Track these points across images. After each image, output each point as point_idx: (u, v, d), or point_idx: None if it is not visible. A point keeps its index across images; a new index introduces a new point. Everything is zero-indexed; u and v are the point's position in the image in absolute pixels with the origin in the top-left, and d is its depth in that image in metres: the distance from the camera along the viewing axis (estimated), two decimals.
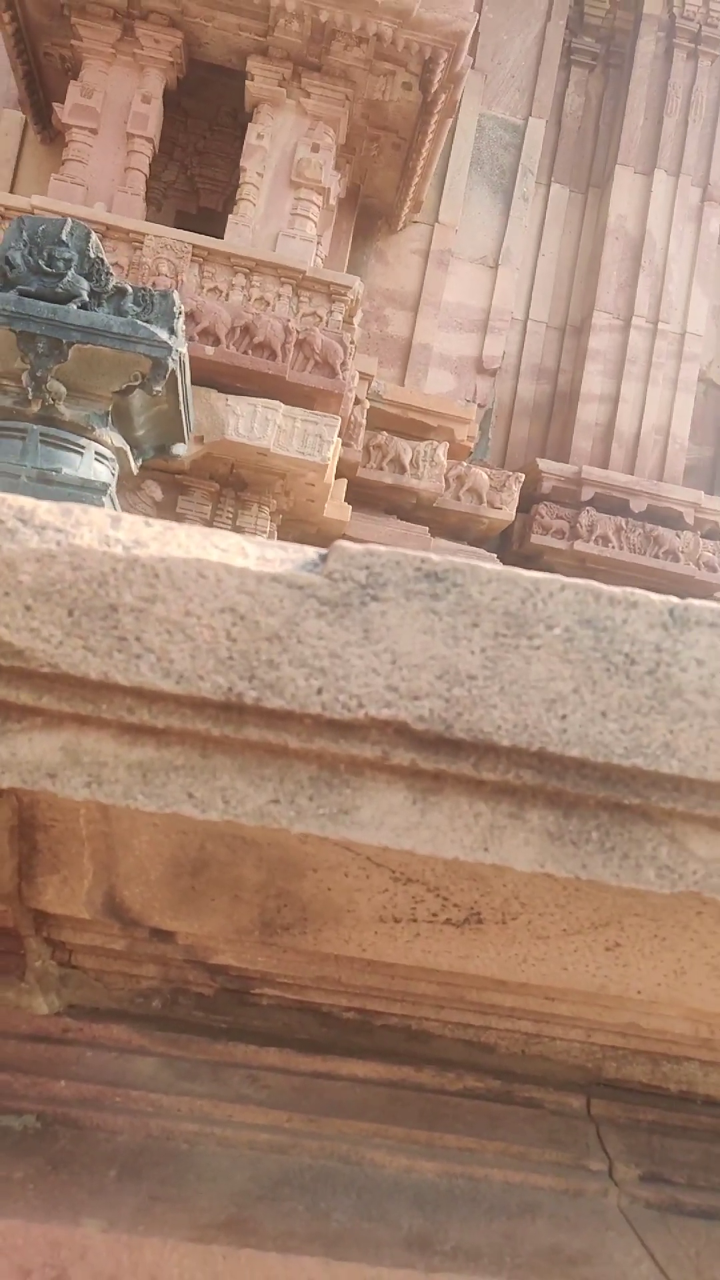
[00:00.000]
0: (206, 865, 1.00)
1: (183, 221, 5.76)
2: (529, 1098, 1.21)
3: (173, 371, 3.02)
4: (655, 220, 7.73)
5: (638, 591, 0.74)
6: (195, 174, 5.75)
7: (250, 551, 0.75)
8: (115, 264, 4.48)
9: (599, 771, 0.75)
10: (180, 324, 3.07)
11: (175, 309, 2.98)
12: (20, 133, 6.06)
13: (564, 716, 0.73)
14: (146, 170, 4.95)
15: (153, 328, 2.93)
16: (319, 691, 0.72)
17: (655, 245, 7.72)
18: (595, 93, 8.09)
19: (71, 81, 4.91)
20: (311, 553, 0.76)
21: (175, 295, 2.99)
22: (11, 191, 5.94)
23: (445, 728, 0.73)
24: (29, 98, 5.61)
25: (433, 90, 5.12)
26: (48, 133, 5.80)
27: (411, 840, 0.77)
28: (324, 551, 0.74)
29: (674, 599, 0.75)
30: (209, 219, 5.67)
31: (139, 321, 2.92)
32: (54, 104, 5.07)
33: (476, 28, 7.12)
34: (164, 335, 2.93)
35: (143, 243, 4.52)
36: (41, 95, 5.58)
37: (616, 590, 0.74)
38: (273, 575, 0.73)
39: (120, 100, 4.89)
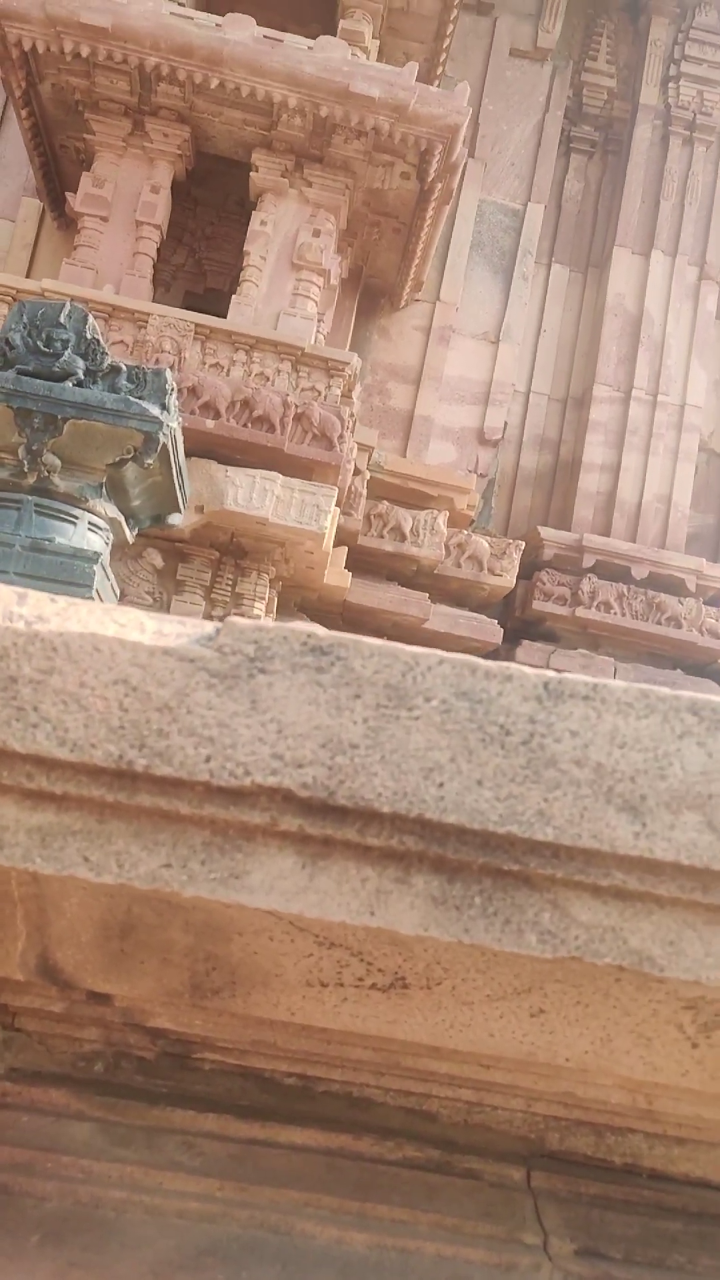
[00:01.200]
0: (134, 928, 1.02)
1: (190, 301, 5.99)
2: (468, 1168, 1.20)
3: (164, 445, 3.12)
4: (653, 298, 7.95)
5: (513, 666, 0.78)
6: (203, 257, 5.99)
7: (148, 626, 0.79)
8: (120, 342, 4.66)
9: (478, 838, 0.78)
10: (173, 400, 3.19)
11: (167, 386, 3.10)
12: (38, 219, 6.35)
13: (441, 785, 0.76)
14: (154, 255, 5.18)
15: (145, 404, 3.04)
16: (207, 759, 0.75)
17: (654, 322, 7.93)
18: (594, 178, 8.41)
19: (84, 172, 5.18)
20: (209, 628, 0.80)
21: (168, 373, 3.11)
22: (29, 273, 6.21)
23: (328, 794, 0.76)
24: (46, 186, 5.90)
25: (429, 179, 5.35)
26: (63, 219, 6.08)
27: (300, 904, 0.79)
28: (219, 626, 0.79)
29: (549, 673, 0.78)
30: (216, 299, 5.89)
31: (131, 398, 3.03)
32: (67, 193, 5.33)
33: (476, 118, 7.46)
34: (155, 411, 3.04)
35: (147, 322, 4.71)
36: (58, 184, 5.87)
37: (493, 665, 0.78)
38: (165, 649, 0.77)
39: (130, 190, 5.14)
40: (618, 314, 7.90)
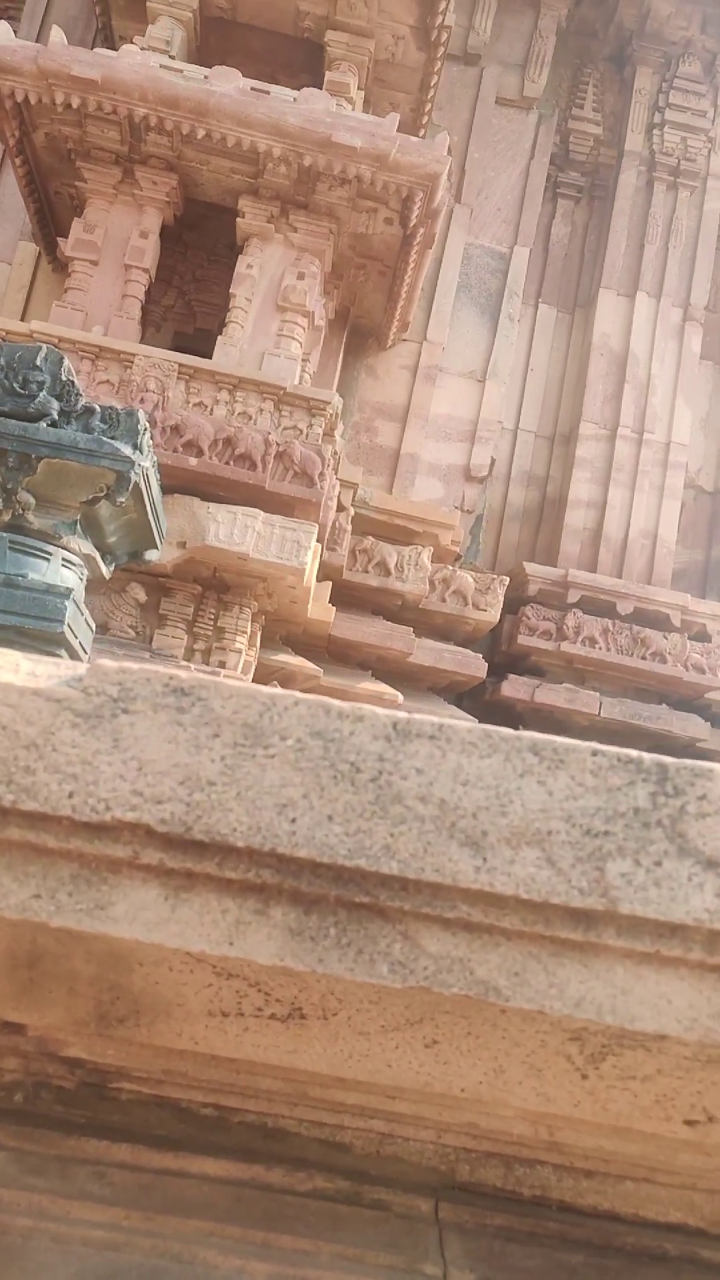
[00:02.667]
0: (41, 958, 1.06)
1: (180, 341, 6.11)
2: (377, 1199, 1.22)
3: (136, 484, 3.20)
4: (638, 338, 8.09)
5: (365, 706, 0.83)
6: (193, 299, 6.13)
7: (23, 667, 0.85)
8: (106, 381, 4.77)
9: (330, 871, 0.82)
10: (146, 440, 3.26)
11: (140, 426, 3.18)
12: (34, 262, 6.51)
13: (294, 820, 0.80)
14: (142, 297, 5.30)
15: (117, 443, 3.12)
16: (70, 795, 0.80)
17: (639, 361, 8.06)
18: (580, 222, 8.60)
19: (75, 218, 5.32)
20: (80, 670, 0.85)
21: (140, 414, 3.19)
22: (24, 314, 6.36)
23: (185, 829, 0.80)
24: (41, 231, 6.06)
25: (412, 224, 5.49)
26: (58, 262, 6.23)
27: (162, 934, 0.83)
28: (89, 668, 0.84)
29: (400, 714, 0.83)
30: (205, 339, 6.02)
31: (104, 438, 3.11)
32: (59, 238, 5.48)
33: (462, 165, 7.65)
34: (127, 450, 3.12)
35: (133, 362, 4.81)
36: (52, 229, 6.03)
37: (346, 705, 0.83)
38: (35, 689, 0.82)
39: (120, 235, 5.28)
40: (604, 353, 8.03)
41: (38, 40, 6.21)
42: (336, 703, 0.83)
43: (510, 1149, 1.24)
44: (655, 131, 8.45)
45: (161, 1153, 1.24)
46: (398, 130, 5.83)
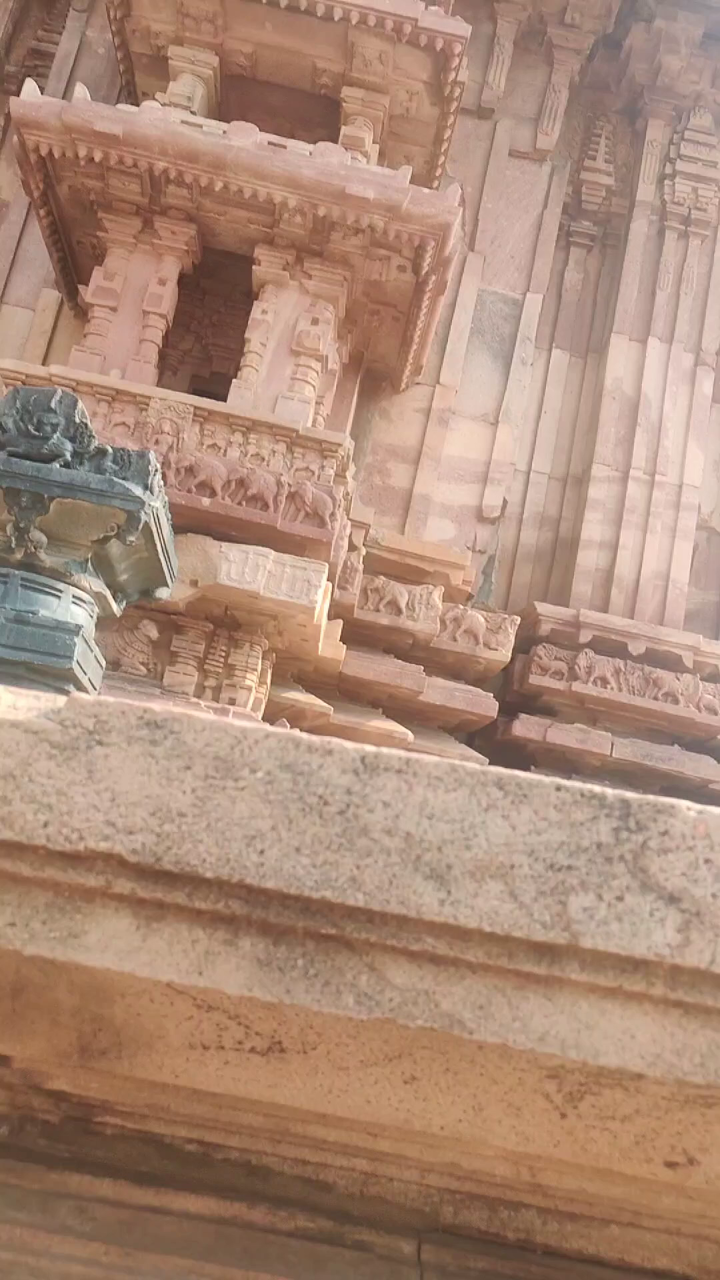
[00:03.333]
0: (24, 989, 1.07)
1: (197, 385, 6.24)
2: (360, 1240, 1.22)
3: (146, 523, 3.26)
4: (650, 382, 8.17)
5: (334, 740, 0.85)
6: (210, 343, 6.27)
7: (4, 700, 0.88)
8: (122, 423, 4.88)
9: (298, 903, 0.84)
10: (156, 480, 3.33)
11: (150, 467, 3.25)
12: (56, 308, 6.69)
13: (262, 851, 0.82)
14: (160, 342, 5.43)
15: (128, 484, 3.19)
16: (45, 825, 0.83)
17: (651, 404, 8.14)
18: (593, 269, 8.74)
19: (96, 266, 5.47)
20: (60, 702, 0.88)
21: (151, 455, 3.26)
22: (46, 358, 6.52)
23: (155, 860, 0.82)
24: (64, 278, 6.23)
25: (424, 272, 5.61)
26: (79, 308, 6.40)
27: (133, 963, 0.85)
28: (67, 700, 0.87)
29: (369, 748, 0.85)
30: (221, 382, 6.14)
31: (115, 479, 3.18)
32: (80, 285, 5.63)
33: (475, 215, 7.82)
34: (138, 491, 3.18)
35: (148, 405, 4.92)
36: (74, 276, 6.20)
37: (316, 739, 0.85)
38: (13, 721, 0.85)
39: (139, 282, 5.42)
40: (616, 397, 8.12)
41: (64, 97, 6.44)
42: (307, 736, 0.86)
43: (494, 1191, 1.23)
44: (667, 182, 8.60)
45: (144, 1189, 1.24)
46: (411, 182, 5.98)
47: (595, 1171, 1.14)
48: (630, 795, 0.85)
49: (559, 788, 0.84)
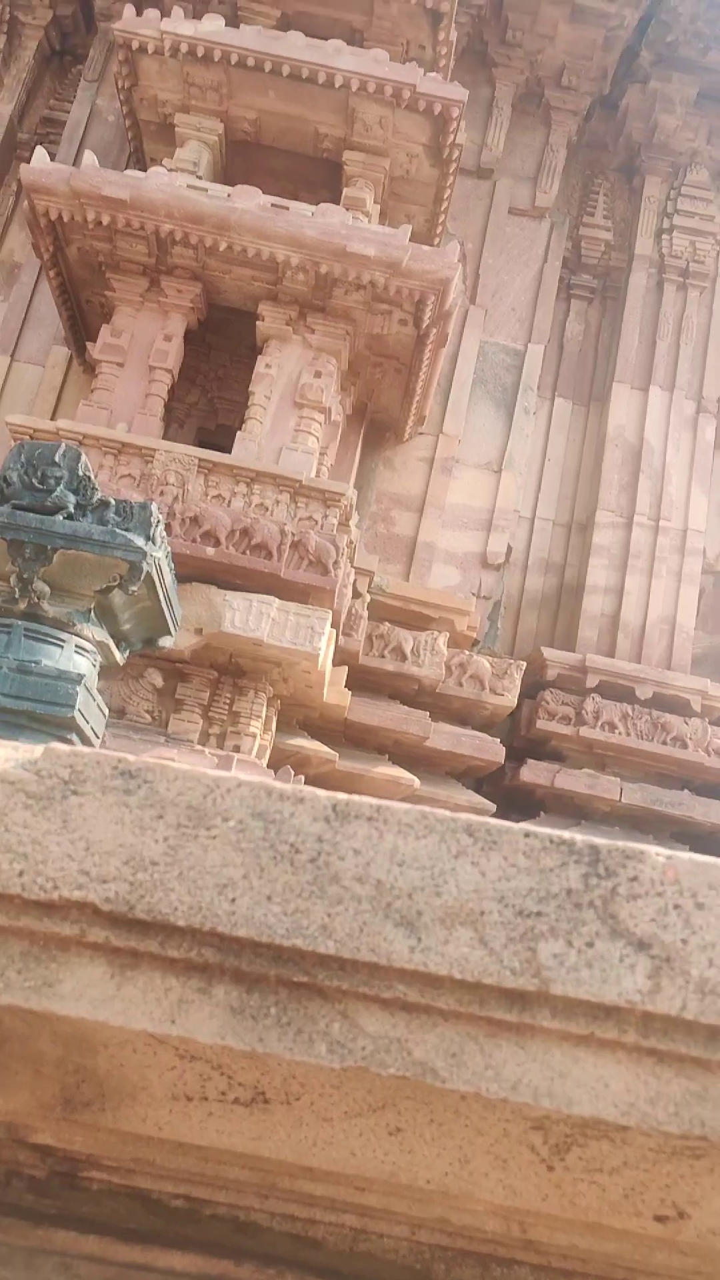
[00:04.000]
0: (7, 1040, 1.07)
1: (203, 437, 6.35)
2: None
3: (149, 573, 3.30)
4: (652, 430, 8.27)
5: (306, 789, 0.86)
6: (215, 396, 6.39)
7: None
8: (128, 475, 4.96)
9: (270, 950, 0.84)
10: (159, 531, 3.38)
11: (153, 519, 3.30)
12: (66, 365, 6.85)
13: (234, 900, 0.83)
14: (165, 396, 5.55)
15: (130, 535, 3.24)
16: (20, 874, 0.84)
17: (654, 451, 8.22)
18: (594, 320, 8.90)
19: (104, 324, 5.62)
20: (37, 752, 0.90)
21: (153, 507, 3.31)
22: (54, 414, 6.65)
23: (129, 908, 0.83)
24: (73, 336, 6.39)
25: (425, 325, 5.73)
26: (87, 365, 6.55)
27: (107, 1012, 0.86)
28: (44, 750, 0.89)
29: (340, 796, 0.87)
30: (226, 434, 6.25)
31: (118, 530, 3.23)
32: (89, 342, 5.77)
33: (477, 270, 8.00)
34: (140, 541, 3.23)
35: (154, 457, 5.01)
36: (83, 334, 6.35)
37: (287, 787, 0.87)
38: None
39: (145, 338, 5.56)
40: (619, 444, 8.21)
41: (75, 164, 6.67)
42: (279, 785, 0.87)
43: (485, 1247, 1.21)
44: (664, 236, 8.79)
45: (130, 1245, 1.23)
46: (411, 239, 6.14)
47: (586, 1226, 1.12)
48: (599, 841, 0.85)
49: (528, 834, 0.85)
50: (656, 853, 0.85)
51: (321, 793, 0.87)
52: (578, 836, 0.86)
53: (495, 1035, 0.86)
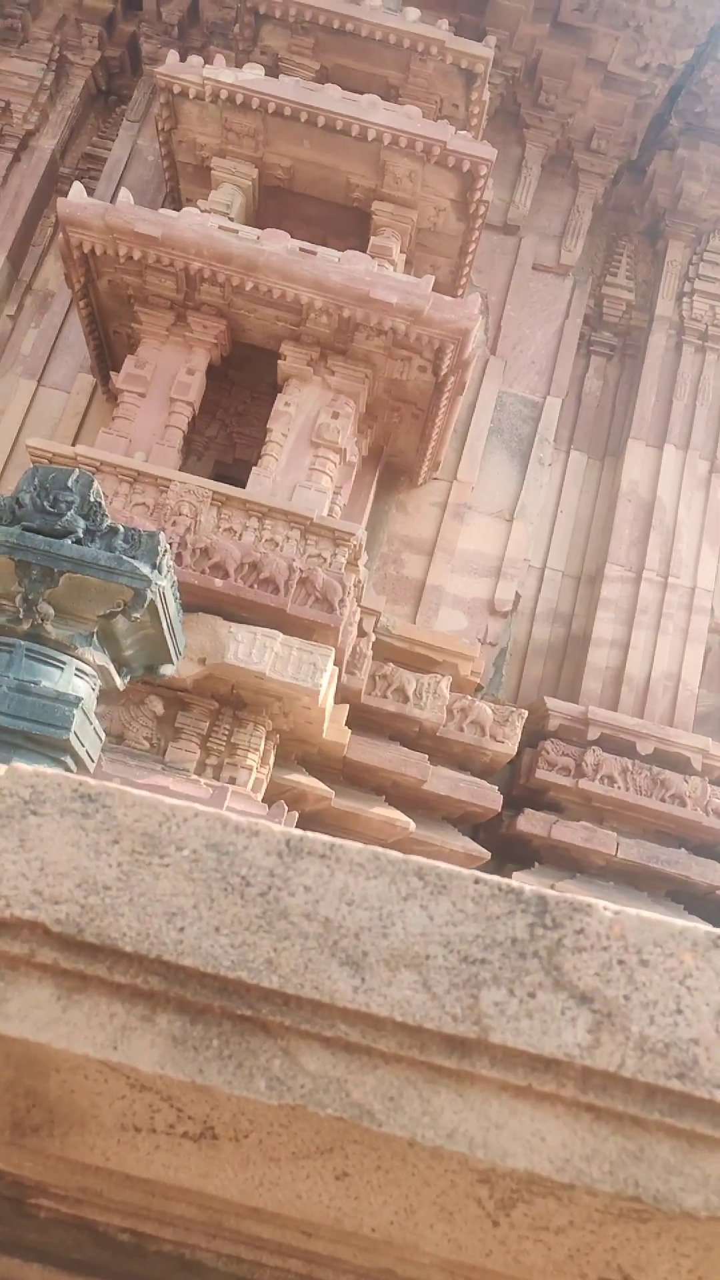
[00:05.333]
0: None
1: (220, 470, 6.44)
2: None
3: (152, 601, 3.33)
4: (665, 487, 8.33)
5: (262, 822, 0.88)
6: (234, 431, 6.49)
7: None
8: (142, 504, 5.03)
9: (215, 982, 0.85)
10: (166, 560, 3.42)
11: (160, 548, 3.34)
12: (90, 393, 6.97)
13: (182, 929, 0.84)
14: (184, 428, 5.64)
15: (137, 563, 3.28)
16: None
17: (665, 508, 8.27)
18: (612, 377, 9.01)
19: (129, 355, 5.73)
20: (0, 770, 0.92)
21: (161, 536, 3.36)
22: (75, 440, 6.76)
23: (78, 931, 0.84)
24: (99, 365, 6.51)
25: (443, 373, 5.82)
26: (110, 393, 6.67)
27: (50, 1034, 0.86)
28: (6, 770, 0.90)
29: (295, 832, 0.88)
30: (243, 469, 6.33)
31: (125, 557, 3.27)
32: (113, 371, 5.88)
33: (499, 322, 8.13)
34: (146, 569, 3.27)
35: (169, 487, 5.08)
36: (108, 363, 6.48)
37: (243, 820, 0.88)
38: None
39: (168, 371, 5.66)
40: (631, 499, 8.26)
41: (112, 201, 6.85)
42: (235, 817, 0.88)
43: None
44: (685, 299, 8.92)
45: (74, 1277, 1.22)
46: (435, 289, 6.26)
47: None
48: (548, 892, 0.86)
49: (477, 880, 0.86)
50: (604, 907, 0.85)
51: (276, 828, 0.88)
52: (526, 886, 0.86)
53: (434, 1081, 0.86)
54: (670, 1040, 0.81)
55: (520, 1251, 1.04)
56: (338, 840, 0.88)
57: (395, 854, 0.87)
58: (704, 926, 0.85)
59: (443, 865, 0.87)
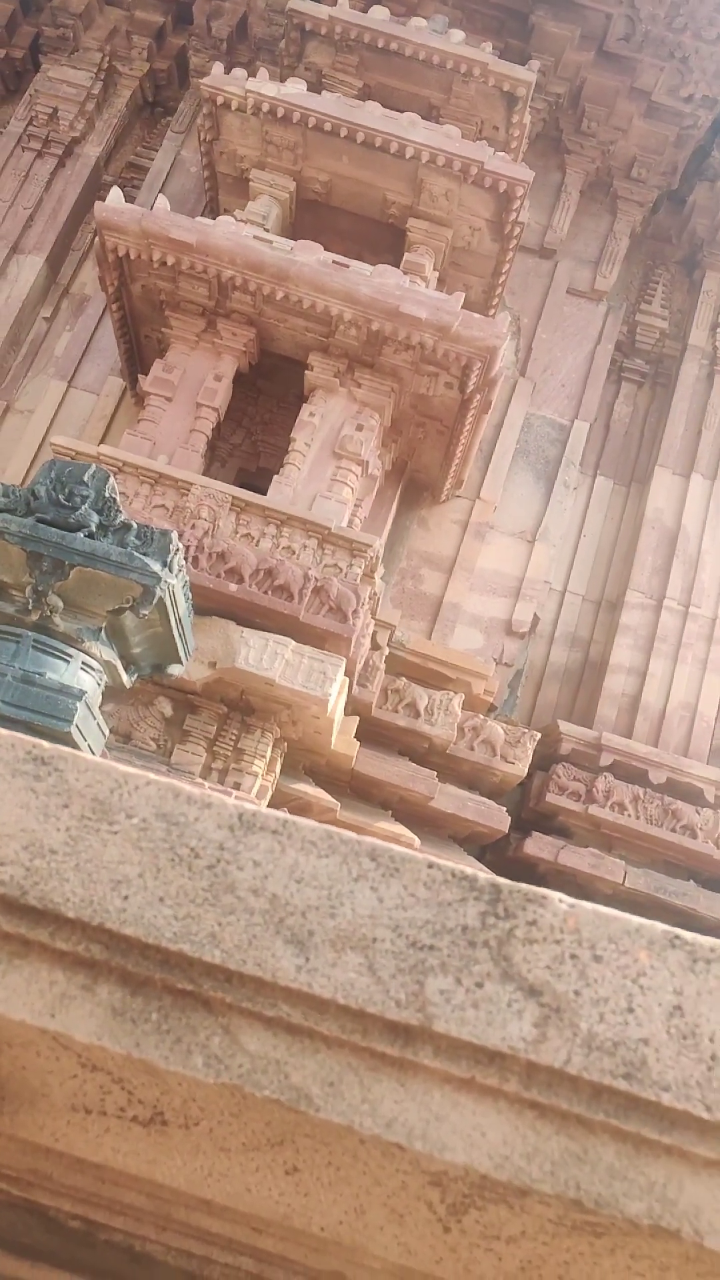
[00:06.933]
0: None
1: (243, 477, 6.47)
2: None
3: (161, 599, 3.34)
4: (691, 516, 8.27)
5: (215, 794, 0.86)
6: (259, 440, 6.52)
7: None
8: (161, 505, 5.06)
9: (157, 954, 0.84)
10: (177, 560, 3.43)
11: (172, 546, 3.35)
12: (119, 395, 7.05)
13: (126, 897, 0.83)
14: (209, 433, 5.67)
15: (148, 560, 3.29)
16: None
17: (690, 537, 8.21)
18: (642, 404, 8.98)
19: (158, 359, 5.78)
20: None
21: (174, 535, 3.37)
22: (102, 441, 6.83)
23: (21, 894, 0.83)
24: (128, 368, 6.58)
25: (470, 390, 5.82)
26: (138, 396, 6.73)
27: None
28: None
29: (248, 806, 0.86)
30: (265, 477, 6.36)
31: (136, 553, 3.28)
32: (141, 375, 5.94)
33: (530, 344, 8.14)
34: (156, 567, 3.28)
35: (189, 490, 5.11)
36: (138, 367, 6.54)
37: (195, 791, 0.87)
38: None
39: (196, 376, 5.71)
40: (655, 527, 8.21)
41: (151, 207, 6.94)
42: (187, 788, 0.87)
43: None
44: (719, 331, 8.89)
45: (21, 1261, 1.20)
46: (467, 308, 6.28)
47: None
48: (502, 881, 0.84)
49: (431, 865, 0.84)
50: (560, 899, 0.83)
51: (230, 800, 0.87)
52: (480, 874, 0.84)
53: (376, 1069, 0.84)
54: (619, 1039, 0.79)
55: (471, 1260, 1.01)
56: (291, 817, 0.87)
57: (349, 834, 0.86)
58: (661, 925, 0.82)
59: (397, 848, 0.85)
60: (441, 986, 0.80)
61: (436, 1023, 0.80)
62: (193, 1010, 0.86)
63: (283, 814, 0.86)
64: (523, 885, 0.83)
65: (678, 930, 0.81)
